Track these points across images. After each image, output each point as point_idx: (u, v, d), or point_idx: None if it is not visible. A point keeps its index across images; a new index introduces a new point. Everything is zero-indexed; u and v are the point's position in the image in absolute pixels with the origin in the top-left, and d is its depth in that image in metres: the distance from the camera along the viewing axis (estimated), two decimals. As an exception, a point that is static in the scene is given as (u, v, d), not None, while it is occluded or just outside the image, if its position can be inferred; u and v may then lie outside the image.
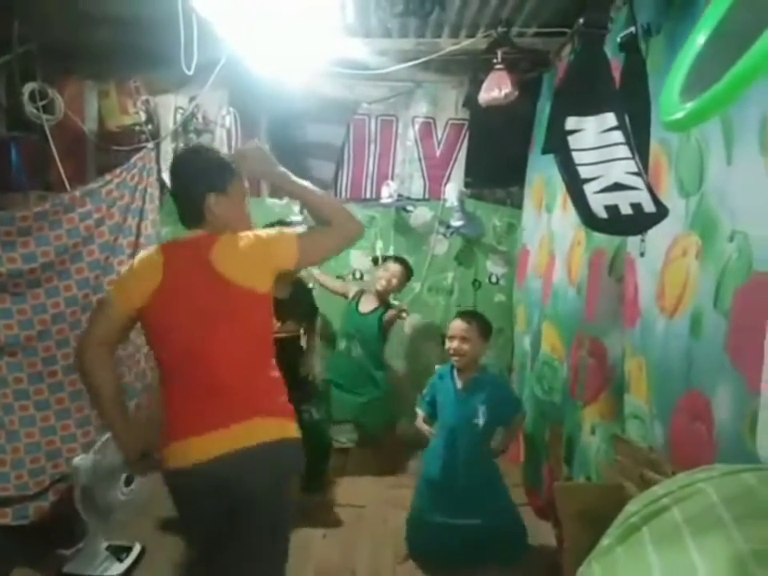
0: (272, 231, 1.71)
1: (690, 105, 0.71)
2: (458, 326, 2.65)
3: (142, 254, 1.76)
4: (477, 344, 2.63)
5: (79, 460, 2.44)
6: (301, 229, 2.21)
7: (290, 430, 1.68)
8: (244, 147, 1.77)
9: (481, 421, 2.55)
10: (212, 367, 1.61)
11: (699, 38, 0.76)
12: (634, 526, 1.13)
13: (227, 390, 1.61)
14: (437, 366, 2.89)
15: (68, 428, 2.81)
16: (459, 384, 2.66)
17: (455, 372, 2.68)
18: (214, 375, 1.61)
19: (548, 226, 3.21)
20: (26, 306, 2.72)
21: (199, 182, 1.64)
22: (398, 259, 3.67)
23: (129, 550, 2.65)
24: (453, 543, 2.54)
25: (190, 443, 1.59)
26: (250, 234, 1.67)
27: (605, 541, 1.18)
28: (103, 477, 2.41)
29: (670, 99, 0.77)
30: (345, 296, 3.71)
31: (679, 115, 0.73)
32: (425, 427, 2.77)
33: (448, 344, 2.66)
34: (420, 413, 2.82)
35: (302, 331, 3.26)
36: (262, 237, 1.66)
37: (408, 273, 3.65)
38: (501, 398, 2.65)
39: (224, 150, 3.51)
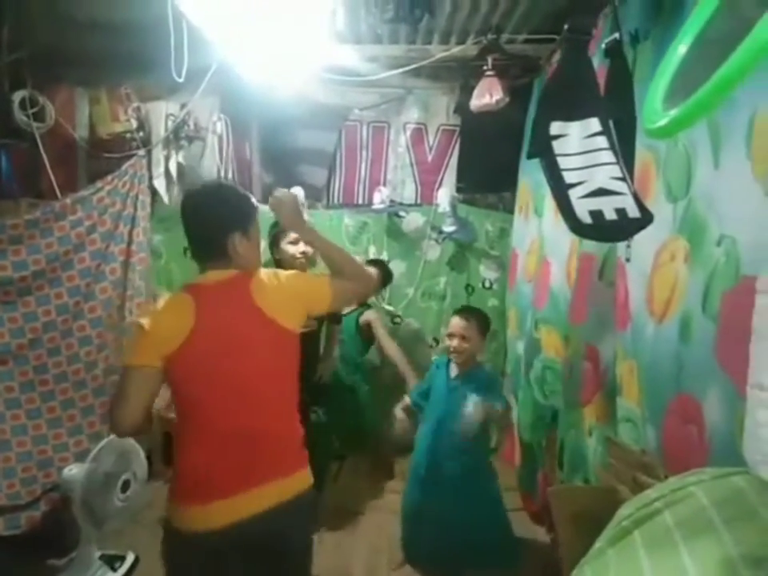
0: (303, 274, 1.74)
1: (672, 112, 0.72)
2: (457, 323, 2.65)
3: (164, 299, 1.61)
4: (476, 341, 2.63)
5: (68, 472, 2.43)
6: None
7: (311, 475, 1.67)
8: (282, 194, 1.74)
9: (470, 409, 2.54)
10: (257, 413, 1.54)
11: (681, 47, 0.77)
12: (626, 529, 1.13)
13: (271, 439, 1.56)
14: (434, 357, 2.88)
15: (60, 437, 2.80)
16: (452, 374, 2.67)
17: (452, 364, 2.70)
18: (258, 421, 1.54)
19: (538, 230, 3.22)
20: (16, 315, 2.72)
21: (227, 220, 1.57)
22: (375, 262, 3.66)
23: (122, 558, 2.64)
24: (442, 537, 2.55)
25: (232, 502, 1.49)
26: (285, 273, 1.65)
27: (597, 545, 1.18)
28: (99, 485, 2.40)
29: (652, 107, 0.78)
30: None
31: (662, 123, 0.74)
32: (399, 414, 2.76)
33: (447, 342, 2.66)
34: (406, 399, 2.81)
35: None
36: (300, 277, 1.68)
37: (384, 275, 3.63)
38: (489, 391, 2.62)
39: (215, 158, 3.52)
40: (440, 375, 2.72)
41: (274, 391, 1.59)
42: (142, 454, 2.60)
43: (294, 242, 2.75)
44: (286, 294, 1.58)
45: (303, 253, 2.77)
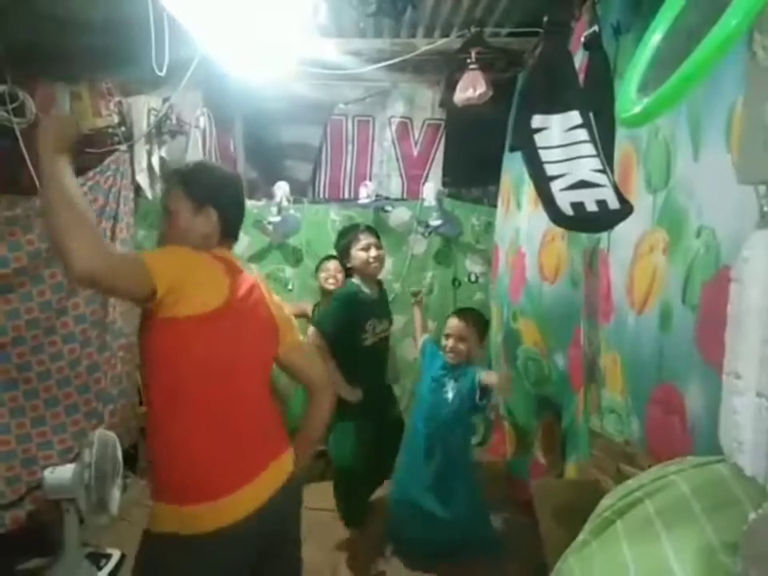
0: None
1: (645, 101, 0.72)
2: (455, 325, 2.64)
3: (199, 258, 1.41)
4: (473, 343, 2.63)
5: (50, 474, 2.42)
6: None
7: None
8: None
9: (450, 395, 2.58)
10: (256, 406, 1.54)
11: (656, 36, 0.78)
12: (609, 520, 1.15)
13: (268, 428, 1.56)
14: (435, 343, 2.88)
15: (44, 435, 2.78)
16: (441, 365, 2.70)
17: (445, 365, 2.71)
18: (257, 414, 1.53)
19: (516, 223, 3.24)
20: (-2, 312, 2.68)
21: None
22: (333, 256, 3.42)
23: (108, 556, 2.62)
24: (428, 523, 2.59)
25: (243, 493, 1.39)
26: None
27: (581, 536, 1.20)
28: (101, 477, 2.38)
29: (627, 96, 0.78)
30: (304, 315, 3.57)
31: (635, 111, 0.74)
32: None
33: (444, 342, 2.65)
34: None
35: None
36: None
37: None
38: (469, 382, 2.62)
39: (199, 152, 3.49)
40: (434, 365, 2.73)
41: (264, 378, 1.59)
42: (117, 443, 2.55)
43: (365, 248, 2.83)
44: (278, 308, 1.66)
45: (375, 257, 2.84)
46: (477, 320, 2.69)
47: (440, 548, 2.60)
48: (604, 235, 2.13)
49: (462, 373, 2.63)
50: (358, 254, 2.83)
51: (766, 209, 0.66)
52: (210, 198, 1.52)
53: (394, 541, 2.75)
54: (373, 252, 2.83)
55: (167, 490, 1.36)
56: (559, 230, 2.65)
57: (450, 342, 2.62)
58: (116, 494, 2.46)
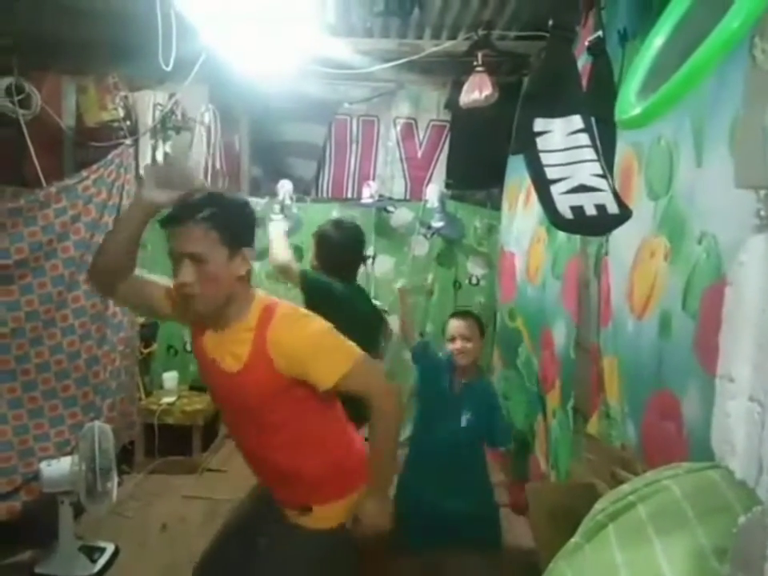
0: None
1: (644, 103, 0.72)
2: (458, 325, 2.61)
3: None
4: (477, 341, 2.60)
5: (47, 467, 2.43)
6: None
7: None
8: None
9: (464, 422, 2.52)
10: None
11: (657, 39, 0.77)
12: (601, 523, 1.14)
13: None
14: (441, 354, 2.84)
15: (41, 427, 2.78)
16: (455, 383, 2.60)
17: (453, 371, 2.63)
18: None
19: (516, 224, 3.27)
20: (-2, 303, 2.69)
21: None
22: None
23: (102, 550, 2.62)
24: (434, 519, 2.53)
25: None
26: None
27: (573, 539, 1.19)
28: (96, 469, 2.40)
29: (626, 98, 0.79)
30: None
31: (635, 112, 0.75)
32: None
33: (450, 346, 2.58)
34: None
35: None
36: None
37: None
38: (489, 411, 2.58)
39: (203, 149, 3.50)
40: (443, 378, 2.62)
41: None
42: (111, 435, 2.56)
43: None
44: None
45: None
46: (476, 319, 2.68)
47: (441, 538, 2.59)
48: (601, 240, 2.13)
49: (477, 391, 2.59)
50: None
51: (763, 213, 0.66)
52: (248, 239, 1.46)
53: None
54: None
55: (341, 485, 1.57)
56: (543, 233, 2.70)
57: (458, 344, 2.57)
58: (112, 486, 2.47)
